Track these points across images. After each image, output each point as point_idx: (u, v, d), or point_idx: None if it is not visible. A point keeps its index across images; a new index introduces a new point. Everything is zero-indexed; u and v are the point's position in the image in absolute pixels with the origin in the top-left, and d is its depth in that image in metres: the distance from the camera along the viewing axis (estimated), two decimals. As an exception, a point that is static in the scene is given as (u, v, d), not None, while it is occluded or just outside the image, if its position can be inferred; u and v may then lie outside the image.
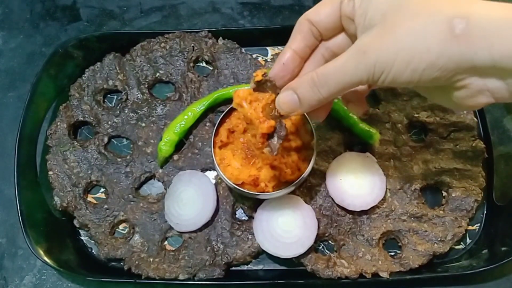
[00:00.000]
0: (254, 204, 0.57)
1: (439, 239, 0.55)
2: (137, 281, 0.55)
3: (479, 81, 0.32)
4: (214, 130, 0.51)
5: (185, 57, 0.63)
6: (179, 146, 0.60)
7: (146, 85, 0.63)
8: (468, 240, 0.58)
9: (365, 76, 0.33)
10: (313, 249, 0.55)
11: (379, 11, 0.33)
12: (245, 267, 0.58)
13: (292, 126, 0.49)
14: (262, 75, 0.40)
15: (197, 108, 0.59)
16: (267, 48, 0.66)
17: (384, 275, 0.53)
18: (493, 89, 0.32)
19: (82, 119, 0.62)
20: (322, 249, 0.57)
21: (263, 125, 0.41)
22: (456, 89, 0.33)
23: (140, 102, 0.62)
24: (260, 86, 0.41)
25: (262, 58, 0.65)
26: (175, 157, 0.60)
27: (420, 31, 0.31)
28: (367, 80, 0.34)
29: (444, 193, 0.59)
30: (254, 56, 0.64)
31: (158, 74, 0.63)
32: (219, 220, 0.57)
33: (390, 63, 0.32)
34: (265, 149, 0.42)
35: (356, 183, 0.55)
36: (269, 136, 0.42)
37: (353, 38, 0.38)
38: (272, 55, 0.65)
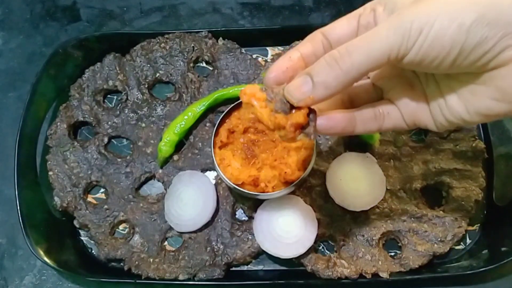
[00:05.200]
0: (254, 204, 0.57)
1: (439, 239, 0.55)
2: (137, 281, 0.55)
3: None
4: (214, 131, 0.51)
5: (185, 57, 0.63)
6: (179, 147, 0.60)
7: (146, 85, 0.63)
8: (468, 241, 0.58)
9: (398, 41, 0.30)
10: (313, 249, 0.55)
11: None
12: (245, 268, 0.58)
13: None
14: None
15: (197, 108, 0.59)
16: (267, 48, 0.66)
17: (384, 275, 0.53)
18: None
19: (82, 119, 0.62)
20: (322, 249, 0.57)
21: (298, 113, 0.35)
22: (503, 65, 0.30)
23: (140, 103, 0.62)
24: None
25: (262, 58, 0.65)
26: (175, 157, 0.60)
27: None
28: (399, 49, 0.30)
29: (444, 193, 0.59)
30: (254, 56, 0.64)
31: (158, 74, 0.63)
32: (219, 220, 0.57)
33: (432, 20, 0.29)
34: (299, 137, 0.37)
35: (356, 183, 0.55)
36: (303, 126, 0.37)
37: None
38: (272, 55, 0.65)
